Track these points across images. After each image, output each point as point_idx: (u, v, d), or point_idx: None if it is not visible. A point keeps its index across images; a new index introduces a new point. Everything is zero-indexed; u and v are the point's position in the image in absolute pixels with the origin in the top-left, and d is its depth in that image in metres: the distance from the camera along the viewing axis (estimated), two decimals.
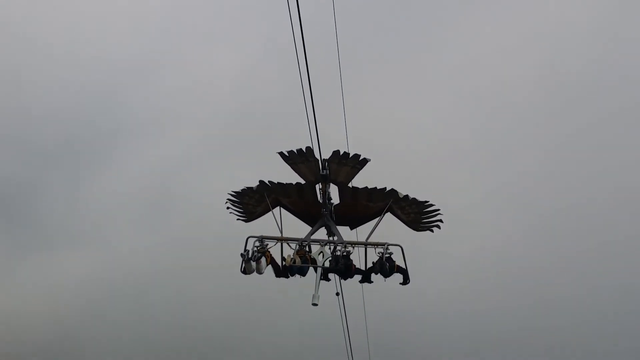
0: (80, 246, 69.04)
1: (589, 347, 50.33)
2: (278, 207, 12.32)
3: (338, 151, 11.21)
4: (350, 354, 13.92)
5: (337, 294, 12.41)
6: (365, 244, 11.52)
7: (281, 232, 11.86)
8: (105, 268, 65.41)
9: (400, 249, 11.38)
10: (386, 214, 12.01)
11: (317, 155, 11.13)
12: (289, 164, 11.67)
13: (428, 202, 11.87)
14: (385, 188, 11.72)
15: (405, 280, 11.43)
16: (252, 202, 12.49)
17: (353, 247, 11.46)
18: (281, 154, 11.57)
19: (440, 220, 12.01)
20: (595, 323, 54.79)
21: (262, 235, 11.65)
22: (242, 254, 11.23)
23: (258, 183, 12.18)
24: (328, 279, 11.52)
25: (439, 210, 11.92)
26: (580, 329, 54.12)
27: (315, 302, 10.52)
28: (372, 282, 11.50)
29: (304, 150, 11.25)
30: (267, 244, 11.63)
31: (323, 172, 11.36)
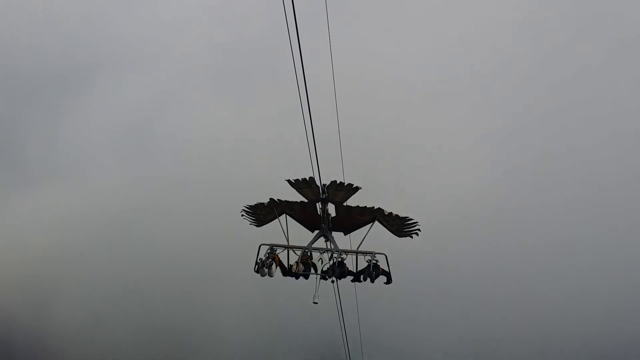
0: (61, 182, 71.46)
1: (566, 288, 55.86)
2: (284, 216, 15.77)
3: (335, 181, 14.52)
4: (344, 332, 17.76)
5: (332, 281, 16.06)
6: (357, 252, 15.14)
7: (287, 241, 15.40)
8: (87, 204, 68.22)
9: (384, 257, 15.02)
10: (373, 224, 15.51)
11: (318, 183, 14.41)
12: (295, 189, 14.98)
13: (408, 217, 15.32)
14: (374, 207, 15.14)
15: (389, 281, 15.16)
16: (263, 213, 15.96)
17: (346, 254, 15.09)
18: (289, 181, 14.87)
19: (418, 229, 15.52)
20: (579, 267, 60.01)
21: (272, 243, 15.23)
22: (256, 262, 14.88)
23: (269, 200, 15.58)
24: (326, 279, 15.14)
25: (417, 222, 15.39)
26: (563, 272, 59.38)
27: (316, 301, 14.34)
28: (362, 281, 15.21)
29: (307, 179, 14.54)
30: (276, 250, 15.23)
31: (323, 196, 14.72)
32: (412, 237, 15.66)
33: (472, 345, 60.59)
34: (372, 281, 14.85)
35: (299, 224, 15.74)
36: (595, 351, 59.09)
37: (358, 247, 15.26)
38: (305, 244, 15.37)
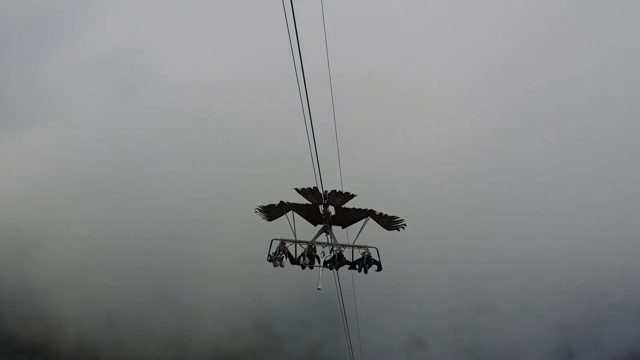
0: (45, 125, 73.12)
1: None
2: (292, 213, 19.95)
3: (335, 190, 18.62)
4: (340, 295, 22.22)
5: (332, 267, 20.37)
6: (352, 246, 19.48)
7: (295, 236, 19.63)
8: (72, 147, 70.25)
9: (376, 250, 19.39)
10: (364, 220, 19.77)
11: (321, 190, 18.51)
12: (301, 195, 19.08)
13: (395, 216, 19.54)
14: (367, 209, 19.33)
15: (379, 269, 19.59)
16: (273, 211, 20.12)
17: (344, 248, 19.43)
18: (296, 189, 18.93)
19: (404, 224, 19.78)
20: (568, 206, 64.11)
21: (282, 238, 19.49)
22: (269, 254, 19.20)
23: (279, 202, 19.72)
24: (327, 268, 19.52)
25: (403, 220, 19.62)
26: (553, 210, 63.47)
27: (319, 287, 18.76)
28: (357, 269, 19.62)
29: (312, 188, 18.62)
30: (285, 243, 19.53)
31: (324, 201, 18.86)
32: (399, 230, 19.96)
33: (462, 285, 66.19)
34: (366, 272, 19.31)
35: (304, 222, 19.92)
36: (585, 288, 64.80)
37: (354, 242, 19.60)
38: (309, 238, 19.64)
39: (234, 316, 67.17)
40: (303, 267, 19.41)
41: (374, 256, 19.58)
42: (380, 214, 19.42)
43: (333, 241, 19.60)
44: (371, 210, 19.38)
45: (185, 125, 72.37)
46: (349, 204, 19.23)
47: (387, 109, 76.43)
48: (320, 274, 18.92)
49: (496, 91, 78.13)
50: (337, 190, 18.67)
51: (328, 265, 19.30)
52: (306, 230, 19.81)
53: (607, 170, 72.17)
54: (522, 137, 76.86)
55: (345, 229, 20.16)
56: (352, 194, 18.81)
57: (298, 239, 19.66)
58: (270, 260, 19.32)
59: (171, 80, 73.64)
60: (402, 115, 77.34)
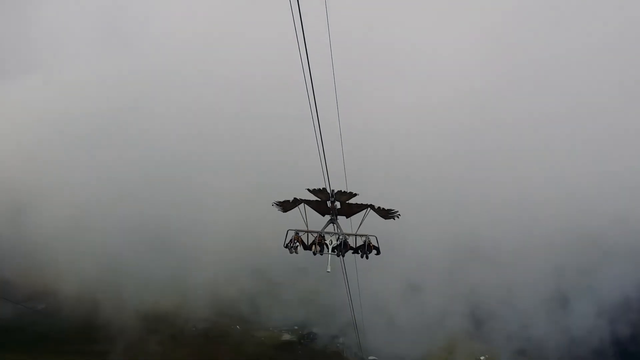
0: (36, 75, 75.11)
1: None
2: (304, 206, 25.04)
3: (341, 190, 23.68)
4: (349, 297, 27.62)
5: (338, 254, 25.62)
6: (356, 235, 24.72)
7: (307, 226, 24.75)
8: (62, 95, 72.66)
9: (375, 237, 24.66)
10: (364, 211, 24.90)
11: (329, 190, 23.58)
12: (312, 194, 24.13)
13: (391, 209, 24.68)
14: (367, 204, 24.46)
15: (378, 253, 24.92)
16: (288, 205, 25.20)
17: (349, 236, 24.69)
18: (308, 189, 23.94)
19: (399, 215, 24.95)
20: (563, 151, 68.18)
21: (296, 229, 24.69)
22: (285, 243, 24.44)
23: (293, 198, 24.79)
24: (335, 253, 24.82)
25: (398, 211, 24.77)
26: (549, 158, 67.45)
27: (329, 270, 24.11)
28: (359, 253, 24.95)
29: (321, 189, 23.65)
30: (299, 232, 24.76)
31: (332, 199, 23.96)
32: (394, 219, 25.16)
33: (457, 229, 71.13)
34: (367, 257, 24.64)
35: (314, 214, 25.07)
36: (580, 232, 69.78)
37: (357, 231, 24.78)
38: (318, 228, 24.84)
39: (231, 262, 71.38)
40: (314, 254, 24.65)
41: (374, 243, 24.83)
42: (379, 207, 24.54)
43: (339, 231, 24.77)
44: (371, 204, 24.47)
45: (179, 70, 75.34)
46: (352, 200, 24.34)
47: (384, 51, 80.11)
48: (329, 259, 24.16)
49: (493, 31, 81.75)
50: (343, 190, 23.74)
51: (335, 251, 24.56)
52: (315, 219, 24.94)
53: (605, 113, 76.53)
54: (518, 76, 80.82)
55: (349, 218, 25.30)
56: (355, 193, 23.82)
57: (309, 229, 24.80)
58: (286, 247, 24.57)
59: (164, 27, 76.28)
60: (399, 56, 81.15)
